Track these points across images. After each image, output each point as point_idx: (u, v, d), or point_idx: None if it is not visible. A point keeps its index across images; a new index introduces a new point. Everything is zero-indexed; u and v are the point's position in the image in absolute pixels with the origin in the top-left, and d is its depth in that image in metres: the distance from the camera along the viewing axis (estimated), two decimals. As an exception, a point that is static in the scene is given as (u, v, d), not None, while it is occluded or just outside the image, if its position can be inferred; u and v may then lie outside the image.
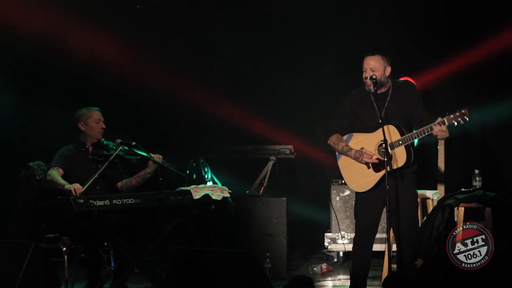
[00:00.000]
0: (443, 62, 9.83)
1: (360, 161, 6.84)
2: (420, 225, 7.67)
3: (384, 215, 6.99)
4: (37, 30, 9.27)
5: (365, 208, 6.91)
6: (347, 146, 6.91)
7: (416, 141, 9.55)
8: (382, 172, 6.76)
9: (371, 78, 6.78)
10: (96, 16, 9.69)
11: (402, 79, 9.78)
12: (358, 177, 6.90)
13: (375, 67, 6.84)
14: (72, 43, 9.52)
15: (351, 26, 9.94)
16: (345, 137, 6.97)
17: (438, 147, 7.94)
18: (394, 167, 6.73)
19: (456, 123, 6.68)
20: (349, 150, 6.89)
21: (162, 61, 10.06)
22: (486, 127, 9.72)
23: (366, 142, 6.86)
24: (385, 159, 6.57)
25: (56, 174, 7.28)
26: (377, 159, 6.80)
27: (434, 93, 9.86)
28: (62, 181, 7.20)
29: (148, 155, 7.35)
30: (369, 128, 6.87)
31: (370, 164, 6.85)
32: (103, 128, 7.51)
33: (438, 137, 7.68)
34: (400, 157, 6.75)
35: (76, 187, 7.10)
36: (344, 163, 6.97)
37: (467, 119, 6.65)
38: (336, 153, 7.03)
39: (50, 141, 8.21)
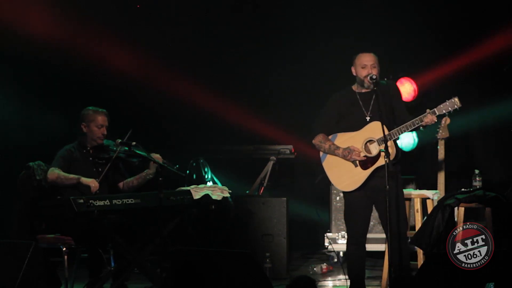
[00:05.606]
0: (443, 62, 9.84)
1: (348, 159, 6.77)
2: (420, 225, 7.67)
3: (373, 214, 6.99)
4: (38, 31, 9.27)
5: (355, 208, 6.85)
6: (334, 145, 6.84)
7: (415, 142, 9.60)
8: (370, 170, 6.74)
9: (371, 78, 6.75)
10: (97, 16, 9.68)
11: (402, 79, 9.84)
12: (345, 176, 6.84)
13: (375, 63, 6.82)
14: (72, 43, 9.52)
15: (351, 26, 9.93)
16: (329, 137, 6.90)
17: (438, 147, 7.93)
18: (387, 161, 6.61)
19: (446, 112, 6.67)
20: (336, 149, 6.82)
21: (162, 61, 10.05)
22: (486, 127, 9.72)
23: (352, 140, 6.80)
24: (386, 160, 6.46)
25: (60, 171, 7.25)
26: (365, 156, 6.77)
27: (434, 93, 9.86)
28: (75, 175, 7.20)
29: (149, 156, 7.33)
30: (354, 127, 6.83)
31: (358, 162, 6.79)
32: (104, 134, 7.42)
33: (438, 137, 7.67)
34: (390, 150, 6.64)
35: (94, 185, 7.11)
36: (329, 164, 6.91)
37: (457, 107, 6.66)
38: (321, 154, 6.93)
39: (50, 141, 8.20)
